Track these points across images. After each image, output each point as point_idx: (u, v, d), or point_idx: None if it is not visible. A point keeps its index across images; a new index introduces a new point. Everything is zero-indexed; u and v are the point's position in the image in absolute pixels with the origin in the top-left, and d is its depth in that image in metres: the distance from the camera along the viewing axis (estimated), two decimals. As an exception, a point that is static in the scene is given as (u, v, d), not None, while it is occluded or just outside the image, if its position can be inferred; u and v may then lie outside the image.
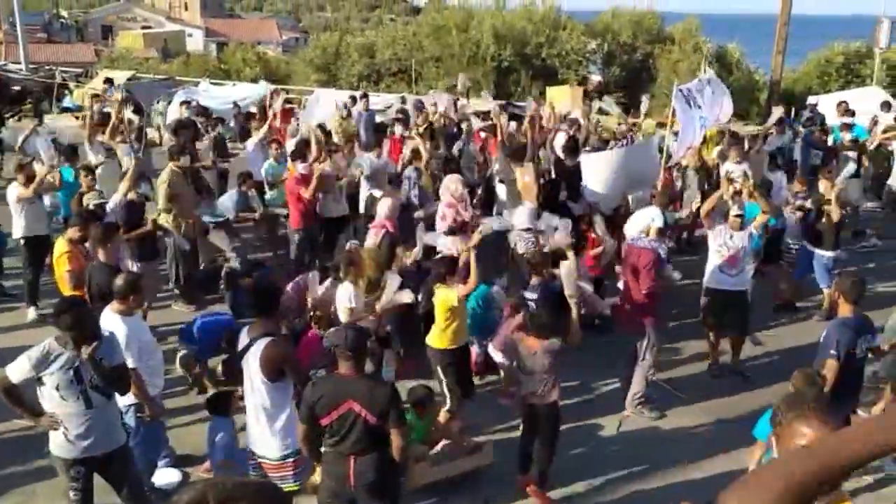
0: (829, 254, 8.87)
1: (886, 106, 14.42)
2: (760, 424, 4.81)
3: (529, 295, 7.09)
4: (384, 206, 7.85)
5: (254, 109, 15.79)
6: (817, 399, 2.51)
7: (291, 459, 4.70)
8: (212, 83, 20.54)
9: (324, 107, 13.62)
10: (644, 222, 7.28)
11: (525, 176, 8.53)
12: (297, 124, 12.28)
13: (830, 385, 5.20)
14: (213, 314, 7.51)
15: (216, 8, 78.21)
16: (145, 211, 8.38)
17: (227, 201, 9.72)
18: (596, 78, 25.49)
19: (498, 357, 7.03)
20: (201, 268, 9.37)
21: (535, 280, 7.11)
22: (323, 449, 4.39)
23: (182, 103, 14.59)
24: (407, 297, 6.71)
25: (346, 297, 6.45)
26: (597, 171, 9.05)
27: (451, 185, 8.64)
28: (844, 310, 5.53)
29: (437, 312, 6.31)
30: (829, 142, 13.20)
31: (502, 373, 7.13)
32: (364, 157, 10.01)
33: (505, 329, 6.91)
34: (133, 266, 7.90)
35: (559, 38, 27.28)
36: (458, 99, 14.19)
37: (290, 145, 10.75)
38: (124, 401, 5.03)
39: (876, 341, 5.85)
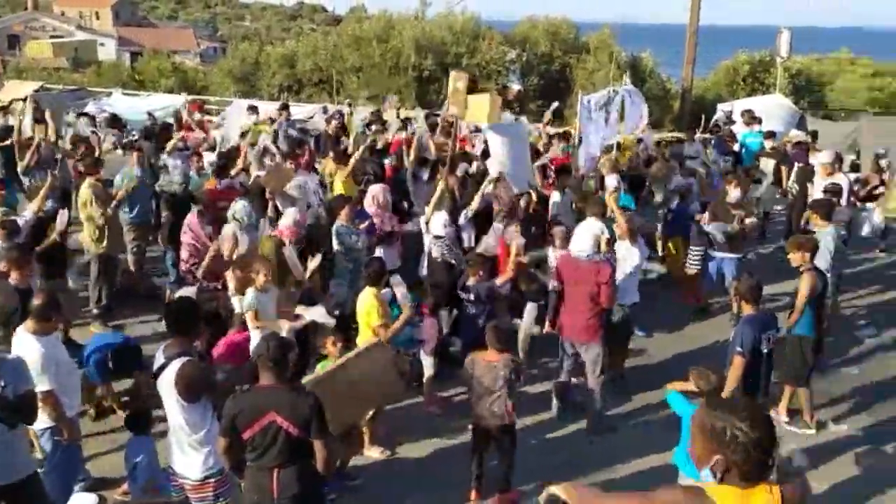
0: (733, 256, 9.20)
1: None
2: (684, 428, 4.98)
3: (466, 295, 7.17)
4: (288, 218, 7.83)
5: (170, 121, 15.44)
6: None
7: (213, 480, 4.61)
8: (124, 94, 20.01)
9: (241, 117, 13.38)
10: (593, 235, 6.82)
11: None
12: (218, 138, 12.06)
13: (737, 380, 5.48)
14: (102, 335, 7.28)
15: (129, 16, 76.11)
16: (52, 226, 8.04)
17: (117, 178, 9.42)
18: (516, 87, 25.90)
19: (429, 366, 7.10)
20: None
21: (471, 280, 7.18)
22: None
23: (79, 115, 14.04)
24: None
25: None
26: (504, 143, 9.16)
27: (377, 195, 8.69)
28: (748, 309, 5.87)
29: (360, 315, 6.41)
30: (735, 148, 13.75)
31: (425, 381, 7.18)
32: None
33: (430, 330, 6.98)
34: (39, 284, 7.64)
35: (479, 48, 27.66)
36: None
37: (209, 158, 10.58)
38: (40, 424, 4.86)
39: (778, 335, 6.18)
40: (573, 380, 7.16)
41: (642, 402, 7.43)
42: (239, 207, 7.79)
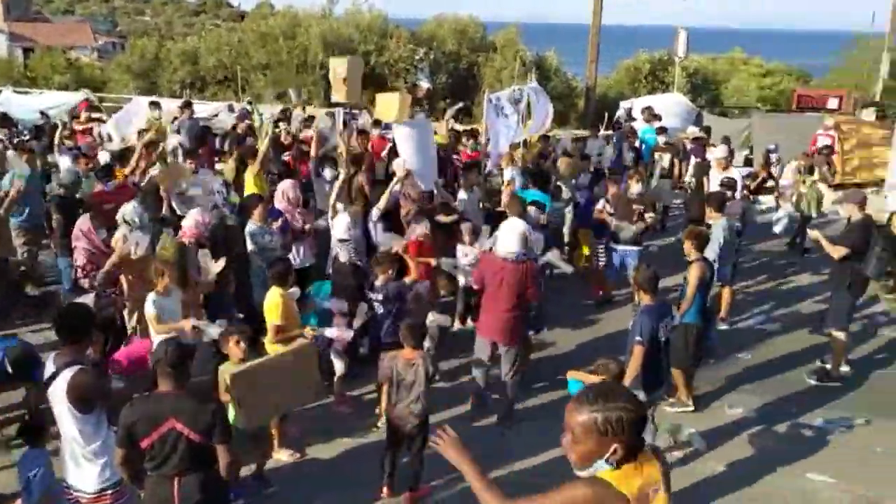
0: (635, 249, 9.51)
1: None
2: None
3: (374, 295, 7.15)
4: (189, 219, 7.61)
5: (65, 118, 14.79)
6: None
7: (110, 492, 4.43)
8: (15, 92, 19.04)
9: (139, 116, 12.95)
10: (520, 234, 6.77)
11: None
12: (108, 136, 11.61)
13: (637, 369, 5.68)
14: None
15: (22, 11, 72.29)
16: None
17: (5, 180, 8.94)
18: (425, 85, 25.91)
19: (339, 365, 7.07)
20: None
21: (380, 280, 7.15)
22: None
23: None
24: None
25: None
26: (410, 141, 9.16)
27: (286, 191, 8.58)
28: (645, 299, 6.09)
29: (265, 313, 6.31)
30: (636, 143, 14.23)
31: (336, 380, 7.15)
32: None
33: (341, 329, 6.94)
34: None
35: (387, 46, 27.57)
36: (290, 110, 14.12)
37: (104, 158, 10.19)
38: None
39: (673, 323, 6.45)
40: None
41: (549, 395, 7.59)
42: (129, 210, 7.50)
